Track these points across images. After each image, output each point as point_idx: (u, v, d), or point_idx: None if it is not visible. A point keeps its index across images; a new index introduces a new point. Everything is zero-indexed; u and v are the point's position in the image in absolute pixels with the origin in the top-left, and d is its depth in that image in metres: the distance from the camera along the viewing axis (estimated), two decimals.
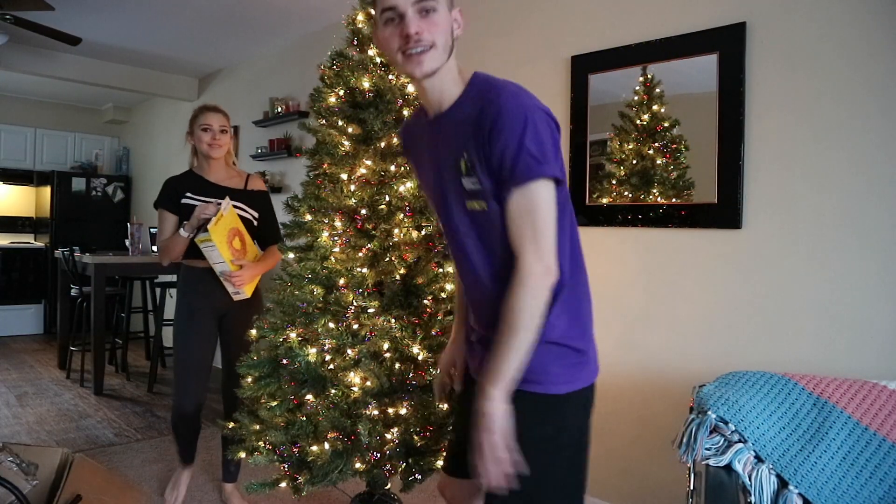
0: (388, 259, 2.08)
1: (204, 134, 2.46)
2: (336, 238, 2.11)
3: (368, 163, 2.11)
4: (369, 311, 2.05)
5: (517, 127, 1.10)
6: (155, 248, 4.98)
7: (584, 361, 1.27)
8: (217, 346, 2.59)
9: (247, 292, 2.47)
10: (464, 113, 1.19)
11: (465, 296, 1.41)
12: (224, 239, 2.33)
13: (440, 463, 2.02)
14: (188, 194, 2.47)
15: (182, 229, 2.40)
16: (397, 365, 2.05)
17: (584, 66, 2.70)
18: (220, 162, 2.54)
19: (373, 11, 2.14)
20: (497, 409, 1.13)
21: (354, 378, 2.01)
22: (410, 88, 2.13)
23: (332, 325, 2.07)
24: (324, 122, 2.17)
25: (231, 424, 2.20)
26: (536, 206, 1.12)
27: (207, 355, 2.52)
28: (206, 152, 2.47)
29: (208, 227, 2.29)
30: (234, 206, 2.48)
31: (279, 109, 4.49)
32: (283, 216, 2.31)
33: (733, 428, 1.64)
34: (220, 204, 2.41)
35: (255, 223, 2.55)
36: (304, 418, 2.04)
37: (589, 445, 1.29)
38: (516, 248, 1.14)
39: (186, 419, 2.52)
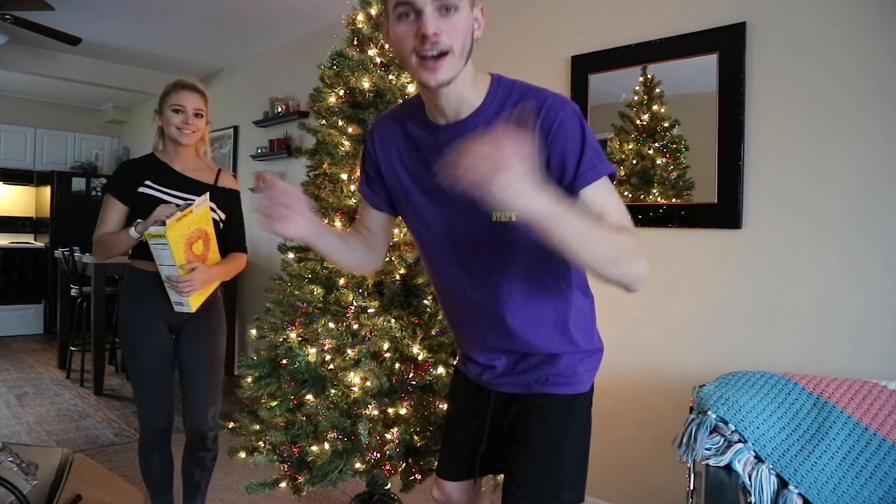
0: (388, 259, 2.08)
1: (174, 115, 2.07)
2: None
3: None
4: (369, 311, 2.05)
5: (576, 128, 1.06)
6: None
7: (601, 358, 1.36)
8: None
9: (192, 305, 2.01)
10: (491, 117, 1.10)
11: (460, 325, 1.34)
12: (182, 240, 1.93)
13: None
14: (148, 182, 2.06)
15: (133, 228, 1.98)
16: (397, 365, 2.05)
17: (584, 66, 2.70)
18: (190, 150, 2.15)
19: (373, 12, 2.15)
20: (530, 189, 0.89)
21: (354, 378, 2.01)
22: (411, 88, 2.13)
23: (332, 325, 2.07)
24: (324, 122, 2.17)
25: (232, 424, 2.20)
26: (608, 197, 1.08)
27: (169, 383, 2.13)
28: (174, 137, 2.08)
29: (167, 220, 1.89)
30: (181, 197, 2.08)
31: (279, 109, 4.49)
32: None
33: (733, 428, 1.64)
34: (181, 204, 2.01)
35: (221, 225, 2.15)
36: (304, 418, 2.04)
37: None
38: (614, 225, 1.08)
39: (159, 441, 2.14)
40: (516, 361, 1.28)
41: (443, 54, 1.03)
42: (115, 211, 2.07)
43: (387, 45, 2.15)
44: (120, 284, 5.24)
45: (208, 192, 2.07)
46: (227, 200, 2.18)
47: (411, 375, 2.05)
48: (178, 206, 2.00)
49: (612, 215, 1.07)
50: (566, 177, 1.06)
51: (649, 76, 2.49)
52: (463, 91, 1.10)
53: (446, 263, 1.24)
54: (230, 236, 2.18)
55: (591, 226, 0.98)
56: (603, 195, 1.07)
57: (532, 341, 1.23)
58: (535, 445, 1.25)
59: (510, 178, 0.86)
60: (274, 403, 2.08)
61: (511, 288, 1.19)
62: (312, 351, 2.06)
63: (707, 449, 1.64)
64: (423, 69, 1.05)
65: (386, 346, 2.03)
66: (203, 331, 2.13)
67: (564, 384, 1.26)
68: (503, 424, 1.33)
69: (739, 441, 1.63)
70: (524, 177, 0.87)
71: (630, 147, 2.54)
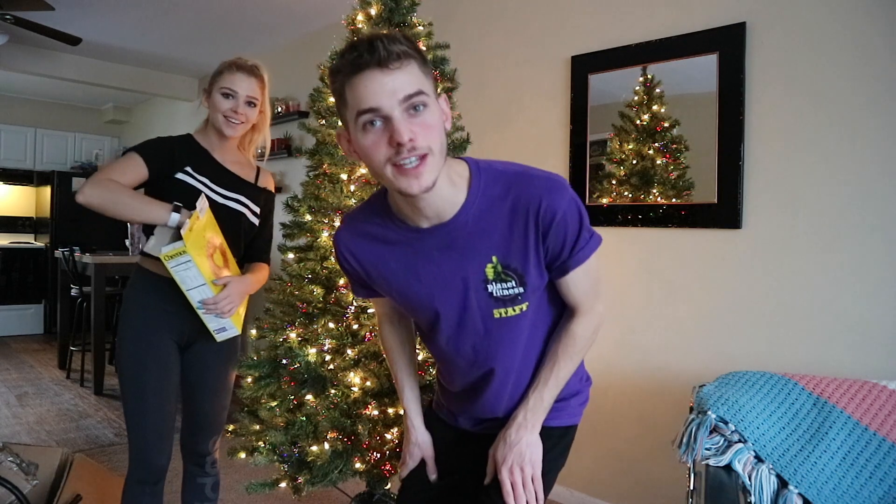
0: None
1: (223, 101, 1.72)
2: None
3: None
4: (369, 311, 2.05)
5: (575, 217, 1.11)
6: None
7: (589, 389, 1.41)
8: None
9: (237, 326, 1.76)
10: (477, 217, 1.07)
11: (460, 393, 1.31)
12: (203, 251, 1.60)
13: None
14: (188, 169, 1.72)
15: (173, 211, 1.60)
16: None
17: (584, 66, 2.70)
18: (234, 142, 1.84)
19: (373, 12, 2.15)
20: (537, 443, 1.19)
21: (354, 378, 2.01)
22: None
23: (332, 325, 2.07)
24: (324, 122, 2.17)
25: (231, 426, 2.20)
26: (590, 271, 1.18)
27: (172, 412, 1.78)
28: (219, 126, 1.74)
29: (183, 232, 1.53)
30: (220, 193, 1.76)
31: (279, 109, 4.49)
32: (283, 216, 2.31)
33: (733, 428, 1.64)
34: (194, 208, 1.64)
35: (255, 229, 1.87)
36: (304, 418, 2.04)
37: None
38: (579, 301, 1.21)
39: (153, 482, 1.75)
40: (495, 420, 1.29)
41: (422, 158, 0.96)
42: (135, 171, 1.64)
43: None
44: (121, 285, 5.23)
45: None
46: (264, 203, 1.88)
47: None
48: (209, 199, 1.69)
49: (586, 292, 1.20)
50: (562, 257, 1.13)
51: (649, 76, 2.49)
52: (444, 191, 1.03)
53: (444, 341, 1.22)
54: (259, 245, 1.89)
55: (554, 376, 1.19)
56: (589, 269, 1.18)
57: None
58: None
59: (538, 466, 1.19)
60: (274, 403, 2.08)
61: (510, 359, 1.22)
62: (312, 351, 2.06)
63: (707, 449, 1.64)
64: (402, 178, 0.96)
65: None
66: (216, 349, 1.81)
67: (555, 418, 1.28)
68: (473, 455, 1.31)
69: (739, 441, 1.63)
70: (536, 455, 1.20)
71: (630, 147, 2.54)
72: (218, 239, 1.70)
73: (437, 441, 1.37)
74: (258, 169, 1.92)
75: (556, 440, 1.29)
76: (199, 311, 1.65)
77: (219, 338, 1.72)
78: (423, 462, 1.37)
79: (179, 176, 1.70)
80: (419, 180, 0.96)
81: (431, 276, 1.12)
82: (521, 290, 1.11)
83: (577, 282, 1.17)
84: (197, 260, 1.55)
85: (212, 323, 1.69)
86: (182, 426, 1.88)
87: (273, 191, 1.96)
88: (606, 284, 2.63)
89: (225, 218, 1.73)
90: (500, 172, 1.09)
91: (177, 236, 1.57)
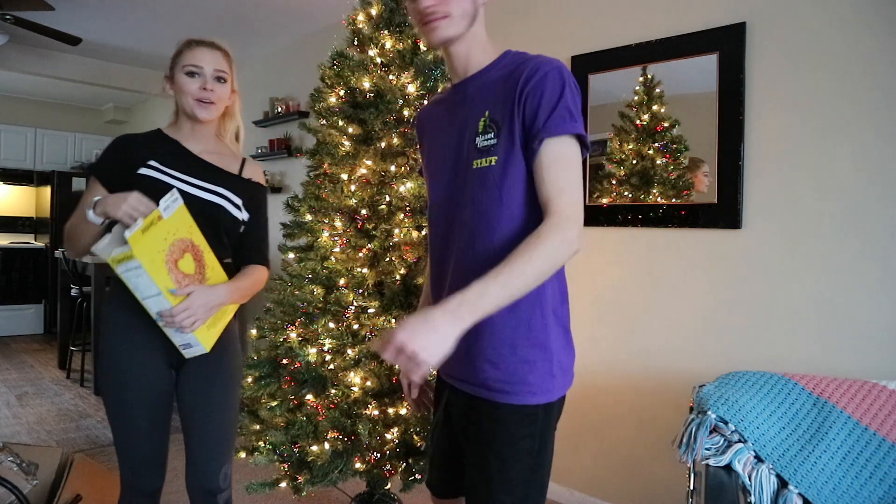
0: (388, 259, 2.08)
1: (189, 81, 1.53)
2: (336, 238, 2.11)
3: (369, 163, 2.11)
4: (369, 311, 2.05)
5: (558, 83, 1.11)
6: None
7: (570, 371, 1.24)
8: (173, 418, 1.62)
9: (203, 343, 1.48)
10: (491, 77, 1.20)
11: (442, 282, 1.27)
12: (161, 256, 1.38)
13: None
14: (153, 163, 1.51)
15: (90, 208, 1.42)
16: (397, 365, 2.05)
17: (584, 66, 2.70)
18: (209, 129, 1.62)
19: (373, 12, 2.15)
20: (449, 336, 0.96)
21: (354, 378, 2.01)
22: (411, 88, 2.13)
23: (332, 325, 2.07)
24: (324, 122, 2.18)
25: None
26: (571, 158, 1.10)
27: (164, 434, 1.60)
28: (190, 110, 1.54)
29: (127, 235, 1.32)
30: (193, 184, 1.54)
31: (279, 109, 4.49)
32: (283, 216, 2.31)
33: (733, 428, 1.64)
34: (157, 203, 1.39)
35: (242, 228, 1.63)
36: (304, 418, 2.04)
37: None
38: (549, 197, 1.08)
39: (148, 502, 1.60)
40: (469, 349, 1.17)
41: (442, 17, 1.17)
42: (95, 195, 1.49)
43: (387, 45, 2.15)
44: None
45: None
46: (252, 197, 1.64)
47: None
48: (182, 192, 1.47)
49: (556, 188, 1.08)
50: (535, 126, 1.10)
51: (649, 76, 2.49)
52: (472, 51, 1.23)
53: (441, 224, 1.27)
54: (249, 244, 1.65)
55: (507, 272, 1.00)
56: (560, 153, 1.10)
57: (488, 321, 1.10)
58: (479, 460, 1.18)
59: (424, 365, 0.95)
60: (274, 403, 2.08)
61: (482, 230, 1.17)
62: (312, 351, 2.06)
63: (707, 449, 1.64)
64: (424, 32, 1.20)
65: None
66: (215, 365, 1.58)
67: (511, 393, 1.14)
68: (454, 425, 1.27)
69: (739, 441, 1.63)
70: (435, 347, 0.94)
71: (630, 147, 2.54)
72: (193, 240, 1.47)
73: (436, 395, 1.39)
74: (243, 160, 1.68)
75: (520, 424, 1.14)
76: (160, 324, 1.43)
77: (186, 354, 1.49)
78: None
79: (142, 171, 1.49)
80: (433, 33, 1.18)
81: (452, 123, 1.26)
82: (495, 141, 1.16)
83: (548, 168, 1.08)
84: (149, 266, 1.35)
85: (175, 338, 1.45)
86: (186, 458, 1.62)
87: (263, 184, 1.71)
88: (607, 284, 2.63)
89: (201, 212, 1.50)
90: (524, 55, 1.21)
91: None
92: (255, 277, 1.62)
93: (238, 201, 1.59)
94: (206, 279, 1.49)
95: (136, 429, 1.54)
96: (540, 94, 1.10)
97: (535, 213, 1.12)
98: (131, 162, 1.51)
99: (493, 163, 1.14)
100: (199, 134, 1.60)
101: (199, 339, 1.46)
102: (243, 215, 1.61)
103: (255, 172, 1.68)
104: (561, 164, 1.09)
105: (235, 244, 1.63)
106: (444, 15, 1.16)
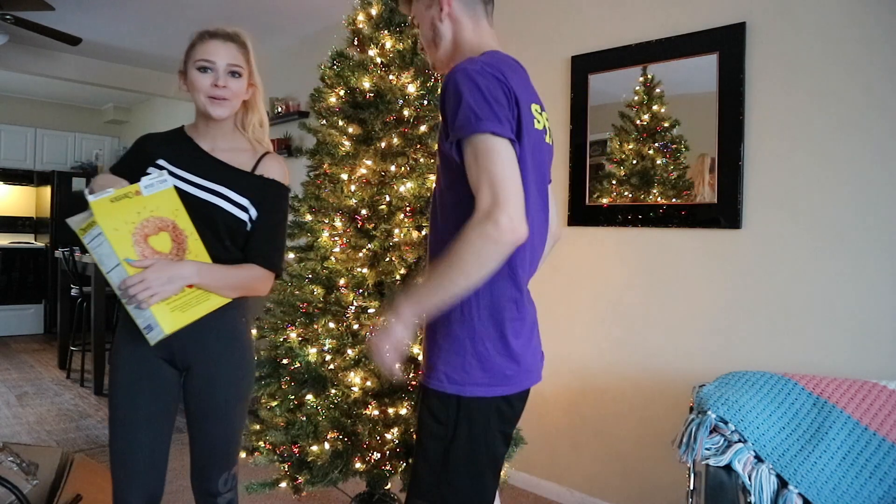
0: (388, 259, 2.08)
1: (201, 77, 1.48)
2: (336, 238, 2.11)
3: (369, 163, 2.11)
4: (369, 311, 2.06)
5: (453, 89, 1.13)
6: None
7: (498, 376, 1.21)
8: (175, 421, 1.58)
9: (162, 324, 1.36)
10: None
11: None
12: (129, 228, 1.34)
13: None
14: (161, 161, 1.49)
15: (86, 189, 1.40)
16: (397, 365, 2.05)
17: (584, 66, 2.70)
18: (226, 124, 1.56)
19: (373, 12, 2.16)
20: (400, 328, 1.15)
21: (354, 378, 2.01)
22: (411, 88, 2.13)
23: (332, 325, 2.07)
24: (324, 122, 2.18)
25: None
26: (485, 155, 1.09)
27: (160, 438, 1.53)
28: (203, 107, 1.49)
29: (90, 199, 1.31)
30: (194, 182, 1.48)
31: (279, 109, 4.49)
32: None
33: (733, 428, 1.64)
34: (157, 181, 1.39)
35: (249, 227, 1.53)
36: (305, 418, 2.04)
37: (494, 463, 1.24)
38: (474, 192, 1.10)
39: None
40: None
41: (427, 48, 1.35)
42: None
43: (387, 45, 2.15)
44: None
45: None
46: (263, 194, 1.54)
47: (411, 376, 2.05)
48: (179, 191, 1.43)
49: (477, 178, 1.10)
50: (451, 137, 1.14)
51: (649, 76, 2.49)
52: (442, 70, 1.36)
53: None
54: (252, 243, 1.53)
55: (440, 292, 1.12)
56: (472, 152, 1.11)
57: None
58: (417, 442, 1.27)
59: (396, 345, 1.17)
60: (274, 403, 2.08)
61: (433, 228, 1.27)
62: (312, 351, 2.06)
63: (707, 449, 1.64)
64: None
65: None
66: (224, 365, 1.52)
67: (428, 377, 1.23)
68: None
69: (739, 441, 1.63)
70: (398, 337, 1.16)
71: (630, 147, 2.54)
72: (177, 222, 1.41)
73: None
74: (263, 155, 1.58)
75: (431, 408, 1.21)
76: (124, 303, 1.36)
77: (149, 339, 1.37)
78: None
79: (150, 169, 1.49)
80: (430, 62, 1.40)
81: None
82: (449, 144, 1.19)
83: (468, 165, 1.12)
84: (111, 234, 1.30)
85: (137, 318, 1.36)
86: (190, 459, 1.59)
87: (279, 180, 1.59)
88: (607, 284, 2.63)
89: (197, 212, 1.44)
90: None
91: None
92: (248, 274, 1.49)
93: (242, 200, 1.50)
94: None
95: (132, 429, 1.49)
96: (445, 106, 1.15)
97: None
98: (145, 159, 1.50)
99: (439, 177, 1.26)
100: (214, 131, 1.55)
101: (157, 320, 1.35)
102: (249, 214, 1.52)
103: (271, 168, 1.57)
104: (474, 161, 1.11)
105: (244, 244, 1.53)
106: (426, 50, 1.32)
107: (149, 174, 1.43)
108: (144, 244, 1.35)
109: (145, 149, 1.54)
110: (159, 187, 1.38)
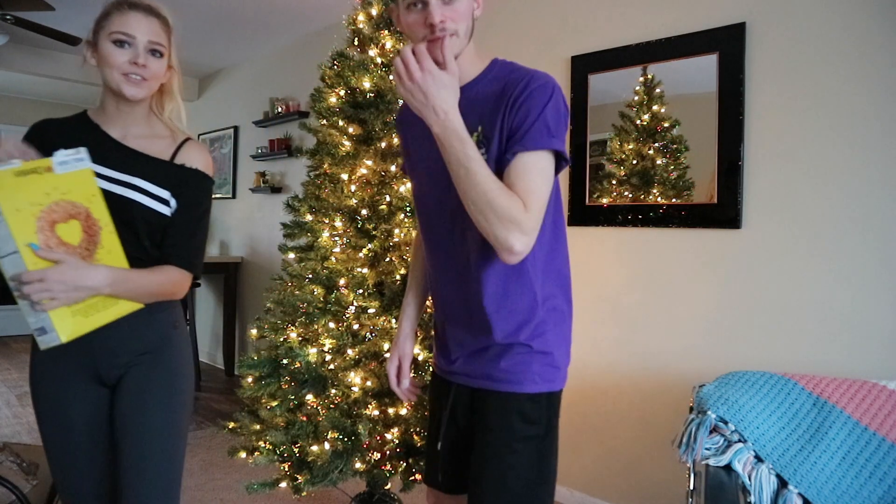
0: (388, 259, 2.08)
1: (116, 51, 1.28)
2: (336, 238, 2.11)
3: (369, 163, 2.11)
4: (370, 311, 2.06)
5: (543, 97, 1.12)
6: None
7: (565, 364, 1.32)
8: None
9: (59, 329, 1.18)
10: (482, 90, 1.20)
11: (439, 294, 1.35)
12: (34, 210, 1.15)
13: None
14: (61, 151, 1.22)
15: None
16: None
17: (584, 66, 2.70)
18: (140, 108, 1.37)
19: (374, 12, 2.15)
20: (447, 77, 1.07)
21: (354, 378, 2.01)
22: None
23: (332, 325, 2.07)
24: (324, 122, 2.18)
25: (232, 424, 2.21)
26: (542, 168, 1.12)
27: (105, 465, 1.35)
28: (116, 86, 1.30)
29: None
30: (105, 176, 1.29)
31: (279, 109, 4.49)
32: (283, 216, 2.31)
33: (733, 428, 1.64)
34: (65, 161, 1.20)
35: (167, 219, 1.35)
36: (305, 418, 2.04)
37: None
38: (520, 196, 1.11)
39: None
40: (477, 349, 1.27)
41: (451, 34, 1.14)
42: None
43: (387, 45, 2.15)
44: None
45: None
46: (181, 184, 1.36)
47: (411, 376, 2.05)
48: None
49: (524, 190, 1.09)
50: (513, 139, 1.12)
51: (649, 76, 2.49)
52: (463, 66, 1.19)
53: (431, 228, 1.31)
54: (169, 240, 1.34)
55: (482, 168, 1.07)
56: (530, 163, 1.11)
57: (494, 322, 1.23)
58: (487, 450, 1.23)
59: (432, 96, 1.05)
60: (274, 403, 2.08)
61: (478, 249, 1.21)
62: (313, 351, 2.06)
63: (707, 449, 1.64)
64: (430, 47, 1.14)
65: (386, 346, 2.03)
66: (155, 382, 1.34)
67: (516, 382, 1.23)
68: (459, 420, 1.32)
69: (739, 441, 1.63)
70: (442, 96, 1.05)
71: (630, 147, 2.54)
72: (91, 211, 1.23)
73: (432, 391, 1.45)
74: (183, 142, 1.40)
75: (526, 411, 1.22)
76: (15, 295, 1.18)
77: (40, 342, 1.19)
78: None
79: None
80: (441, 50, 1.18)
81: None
82: (486, 157, 1.16)
83: (519, 175, 1.10)
84: (10, 214, 1.11)
85: (30, 317, 1.19)
86: (119, 498, 1.33)
87: (202, 169, 1.39)
88: (607, 284, 2.63)
89: (112, 209, 1.27)
90: (513, 65, 1.23)
91: None
92: (165, 279, 1.31)
93: (162, 193, 1.33)
94: (95, 260, 1.22)
95: (72, 456, 1.34)
96: (524, 108, 1.12)
97: None
98: (43, 152, 1.25)
99: None
100: (125, 115, 1.35)
101: (54, 324, 1.17)
102: (171, 208, 1.35)
103: (192, 157, 1.38)
104: (531, 171, 1.11)
105: (160, 238, 1.35)
106: (453, 32, 1.14)
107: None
108: (50, 232, 1.16)
109: (44, 139, 1.31)
110: (75, 166, 1.20)
